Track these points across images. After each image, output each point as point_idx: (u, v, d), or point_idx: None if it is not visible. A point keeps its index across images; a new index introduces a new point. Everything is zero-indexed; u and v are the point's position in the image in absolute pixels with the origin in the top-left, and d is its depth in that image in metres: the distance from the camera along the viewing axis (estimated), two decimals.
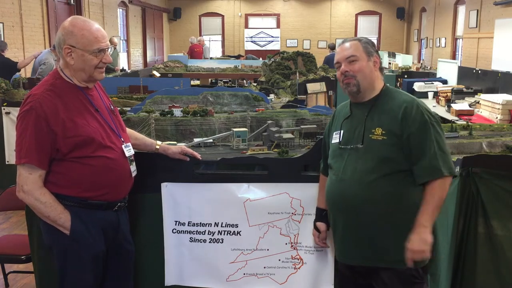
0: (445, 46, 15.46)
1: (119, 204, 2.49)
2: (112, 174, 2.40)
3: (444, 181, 2.26)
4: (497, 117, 5.69)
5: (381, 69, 2.45)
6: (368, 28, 20.12)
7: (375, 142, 2.29)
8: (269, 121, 4.04)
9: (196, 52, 14.23)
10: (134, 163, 2.54)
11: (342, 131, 2.41)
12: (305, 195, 2.73)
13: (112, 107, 2.57)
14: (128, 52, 16.36)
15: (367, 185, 2.26)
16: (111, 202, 2.44)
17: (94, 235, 2.39)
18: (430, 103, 7.61)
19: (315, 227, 2.63)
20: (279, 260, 2.80)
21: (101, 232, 2.42)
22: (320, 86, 7.53)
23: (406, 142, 2.27)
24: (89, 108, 2.40)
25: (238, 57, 14.95)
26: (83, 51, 2.33)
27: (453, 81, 8.54)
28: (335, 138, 2.44)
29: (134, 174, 2.53)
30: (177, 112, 4.76)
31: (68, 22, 2.37)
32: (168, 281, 2.86)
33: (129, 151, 2.50)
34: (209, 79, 11.45)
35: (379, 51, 2.55)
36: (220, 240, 2.80)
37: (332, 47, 13.32)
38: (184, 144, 3.62)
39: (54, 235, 2.38)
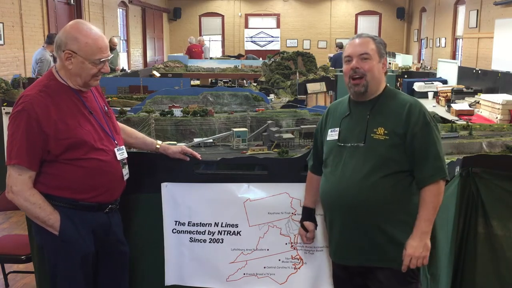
0: (445, 46, 15.45)
1: (110, 206, 2.49)
2: (103, 177, 2.39)
3: (440, 186, 2.27)
4: (497, 117, 5.68)
5: (386, 72, 2.45)
6: (368, 28, 20.08)
7: (377, 141, 2.28)
8: (269, 121, 4.04)
9: (194, 52, 14.21)
10: (126, 166, 2.53)
11: (340, 129, 2.39)
12: None
13: (107, 108, 2.56)
14: (128, 52, 16.35)
15: (369, 185, 2.25)
16: (102, 204, 2.44)
17: (83, 236, 2.39)
18: (430, 103, 7.61)
19: (303, 227, 2.61)
20: (279, 260, 2.79)
21: (91, 233, 2.42)
22: (320, 86, 7.53)
23: (409, 142, 2.26)
24: (83, 110, 2.39)
25: (238, 56, 14.92)
26: (84, 59, 2.32)
27: (453, 81, 8.54)
28: (332, 136, 2.41)
29: (126, 177, 2.53)
30: (177, 112, 4.75)
31: (72, 27, 2.35)
32: (168, 281, 2.86)
33: (121, 154, 2.49)
34: (209, 79, 11.44)
35: None
36: (220, 240, 2.80)
37: (340, 46, 13.25)
38: (184, 144, 3.61)
39: (44, 236, 2.39)
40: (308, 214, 2.61)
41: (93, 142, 2.35)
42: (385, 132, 2.28)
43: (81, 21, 2.43)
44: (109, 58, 2.40)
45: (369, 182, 2.25)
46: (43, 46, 8.30)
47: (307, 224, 2.60)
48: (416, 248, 2.23)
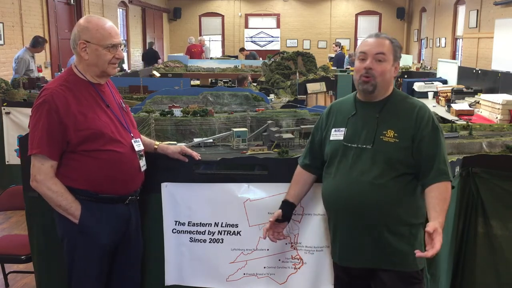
0: (445, 46, 15.46)
1: (130, 197, 2.55)
2: (120, 168, 2.45)
3: (449, 186, 2.25)
4: (497, 117, 5.68)
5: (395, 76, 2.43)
6: (368, 28, 20.08)
7: (386, 144, 2.26)
8: (269, 121, 4.02)
9: (194, 52, 14.22)
10: (143, 158, 2.60)
11: (346, 129, 2.37)
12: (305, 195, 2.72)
13: (124, 104, 2.65)
14: (128, 52, 16.36)
15: (378, 186, 2.23)
16: (122, 195, 2.51)
17: (104, 228, 2.45)
18: (430, 103, 7.60)
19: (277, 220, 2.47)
20: (279, 260, 2.79)
21: (111, 225, 2.48)
22: (320, 86, 7.55)
23: (418, 145, 2.25)
24: (100, 103, 2.48)
25: (241, 50, 14.84)
26: (97, 46, 2.42)
27: (453, 81, 8.53)
28: (336, 135, 2.38)
29: (143, 168, 2.59)
30: (177, 112, 4.75)
31: (83, 20, 2.48)
32: (168, 281, 2.86)
33: (138, 146, 2.56)
34: (209, 79, 11.44)
35: None
36: (220, 240, 2.80)
37: (339, 45, 13.41)
38: (184, 144, 3.61)
39: (65, 228, 2.45)
40: (288, 207, 2.49)
41: (110, 133, 2.43)
42: (395, 134, 2.26)
43: (91, 14, 2.52)
44: (121, 44, 2.50)
45: (378, 184, 2.24)
46: (26, 47, 8.31)
47: (278, 212, 2.48)
48: (438, 242, 2.03)
